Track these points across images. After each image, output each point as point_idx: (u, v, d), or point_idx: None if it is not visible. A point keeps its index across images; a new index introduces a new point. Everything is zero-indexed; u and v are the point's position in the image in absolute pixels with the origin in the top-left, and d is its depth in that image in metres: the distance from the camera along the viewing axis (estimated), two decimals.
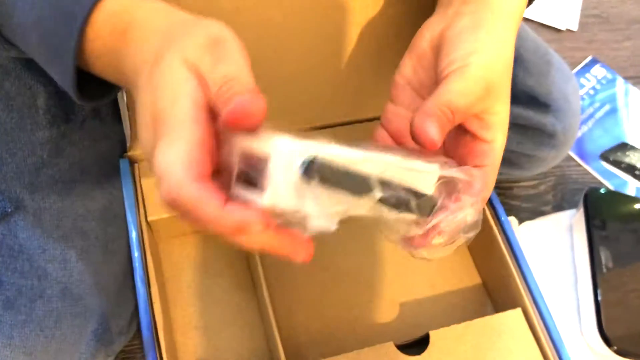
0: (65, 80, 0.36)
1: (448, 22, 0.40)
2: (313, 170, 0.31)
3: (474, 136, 0.39)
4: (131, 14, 0.34)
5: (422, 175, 0.36)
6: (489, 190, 0.39)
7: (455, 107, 0.36)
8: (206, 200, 0.29)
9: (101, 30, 0.34)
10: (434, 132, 0.35)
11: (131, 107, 0.54)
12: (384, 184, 0.33)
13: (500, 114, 0.39)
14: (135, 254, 0.52)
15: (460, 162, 0.39)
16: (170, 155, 0.30)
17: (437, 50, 0.40)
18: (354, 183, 0.32)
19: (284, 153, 0.30)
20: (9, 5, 0.36)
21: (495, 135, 0.39)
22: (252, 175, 0.32)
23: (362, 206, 0.34)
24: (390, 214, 0.35)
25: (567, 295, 0.72)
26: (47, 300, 0.51)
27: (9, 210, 0.52)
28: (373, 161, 0.33)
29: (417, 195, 0.35)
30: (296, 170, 0.31)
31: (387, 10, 0.54)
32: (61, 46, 0.35)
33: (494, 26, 0.39)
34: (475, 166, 0.39)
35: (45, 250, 0.52)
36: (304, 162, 0.31)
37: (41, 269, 0.51)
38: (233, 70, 0.32)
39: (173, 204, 0.30)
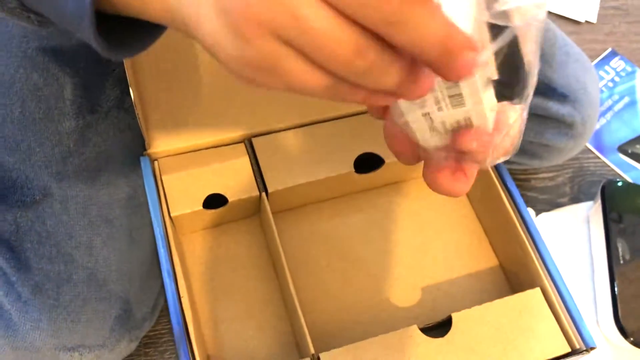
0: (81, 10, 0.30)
1: None
2: None
3: None
4: None
5: None
6: None
7: None
8: None
9: None
10: None
11: (143, 102, 0.55)
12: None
13: None
14: (162, 250, 0.52)
15: None
16: None
17: None
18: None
19: None
20: None
21: None
22: None
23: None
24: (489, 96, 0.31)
25: (584, 286, 0.73)
26: (73, 285, 0.52)
27: (38, 197, 0.53)
28: None
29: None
30: None
31: None
32: None
33: None
34: None
35: (72, 236, 0.54)
36: None
37: (68, 254, 0.53)
38: None
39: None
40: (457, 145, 0.32)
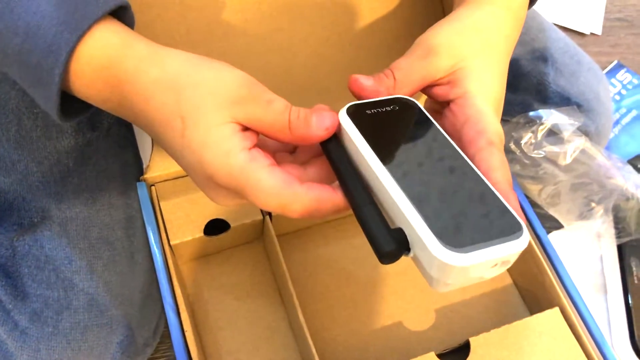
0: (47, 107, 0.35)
1: None
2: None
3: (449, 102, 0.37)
4: (120, 66, 0.34)
5: None
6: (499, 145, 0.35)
7: (395, 65, 0.37)
8: (323, 197, 0.33)
9: (92, 82, 0.34)
10: (364, 80, 0.37)
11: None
12: None
13: (467, 67, 0.37)
14: (163, 281, 0.50)
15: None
16: (272, 196, 0.33)
17: None
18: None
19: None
20: None
21: (466, 87, 0.36)
22: None
23: None
24: None
25: (597, 306, 0.71)
26: (73, 311, 0.50)
27: (36, 220, 0.51)
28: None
29: None
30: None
31: (396, 13, 0.54)
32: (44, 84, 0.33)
33: (461, 14, 0.39)
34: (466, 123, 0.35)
35: (71, 260, 0.51)
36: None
37: (67, 279, 0.51)
38: (282, 102, 0.34)
39: (312, 216, 0.34)
40: None
